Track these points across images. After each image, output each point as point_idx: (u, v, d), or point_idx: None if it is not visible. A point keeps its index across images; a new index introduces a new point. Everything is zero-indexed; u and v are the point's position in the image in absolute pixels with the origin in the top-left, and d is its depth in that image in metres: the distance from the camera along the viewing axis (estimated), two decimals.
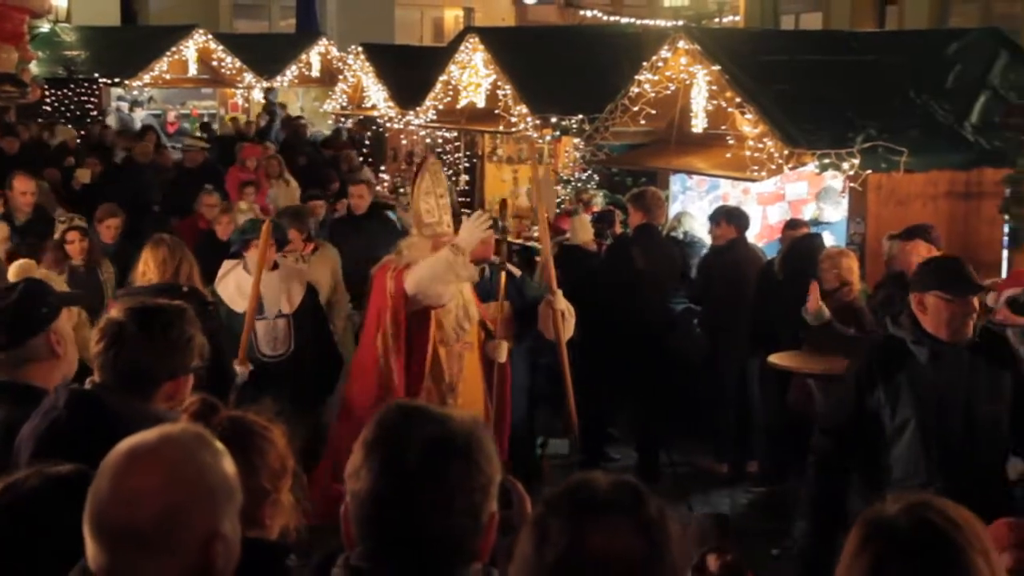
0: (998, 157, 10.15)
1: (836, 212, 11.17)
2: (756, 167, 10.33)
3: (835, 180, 10.62)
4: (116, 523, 2.33)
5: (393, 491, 2.34)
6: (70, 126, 20.67)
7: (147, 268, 7.01)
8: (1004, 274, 9.70)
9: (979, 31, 12.57)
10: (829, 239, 10.47)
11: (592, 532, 1.98)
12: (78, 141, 19.28)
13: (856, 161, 9.89)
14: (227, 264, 7.96)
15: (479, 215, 7.20)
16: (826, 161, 9.94)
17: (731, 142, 10.86)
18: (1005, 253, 10.13)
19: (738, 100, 10.67)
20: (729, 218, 10.15)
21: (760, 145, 10.29)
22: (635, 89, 11.78)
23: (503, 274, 7.55)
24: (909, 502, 2.21)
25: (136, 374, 3.67)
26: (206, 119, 25.35)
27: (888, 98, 10.90)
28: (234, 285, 7.74)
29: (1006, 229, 10.00)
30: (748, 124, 10.63)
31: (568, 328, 7.48)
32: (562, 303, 7.39)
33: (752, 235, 10.57)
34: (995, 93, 11.16)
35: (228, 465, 2.44)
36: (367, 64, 18.63)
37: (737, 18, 19.15)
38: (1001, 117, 10.24)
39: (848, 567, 2.17)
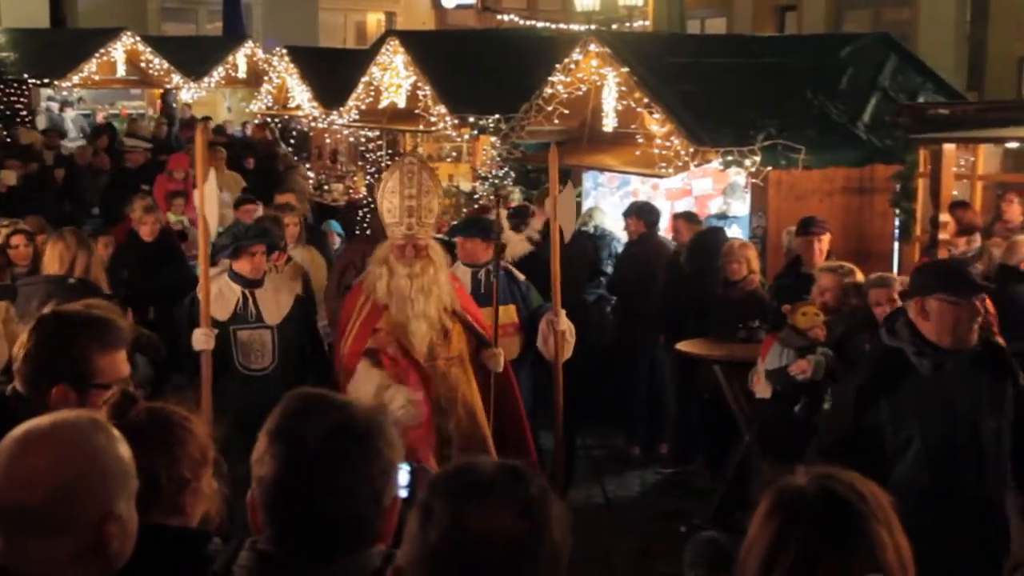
0: (889, 155, 10.31)
1: (741, 207, 11.29)
2: (664, 164, 10.40)
3: (739, 176, 10.73)
4: (9, 504, 2.29)
5: (295, 477, 2.33)
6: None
7: (49, 260, 7.16)
8: (895, 265, 9.88)
9: (870, 36, 12.74)
10: (736, 232, 10.60)
11: (473, 512, 1.98)
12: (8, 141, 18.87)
13: (757, 158, 9.99)
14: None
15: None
16: (729, 158, 10.04)
17: (640, 140, 10.92)
18: (896, 245, 10.30)
19: (646, 100, 10.73)
20: (639, 213, 10.22)
21: (667, 143, 10.37)
22: (549, 90, 11.82)
23: (496, 280, 6.89)
24: (817, 473, 2.23)
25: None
26: (135, 118, 24.95)
27: (787, 99, 11.02)
28: (215, 292, 6.73)
29: (896, 222, 10.17)
30: (656, 123, 10.69)
31: (567, 350, 6.91)
32: (564, 323, 6.83)
33: (662, 229, 10.63)
34: (885, 94, 11.34)
35: (123, 449, 2.40)
36: (291, 66, 18.50)
37: (646, 23, 19.19)
38: (891, 117, 10.41)
39: (755, 535, 2.18)
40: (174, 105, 24.42)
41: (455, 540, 1.96)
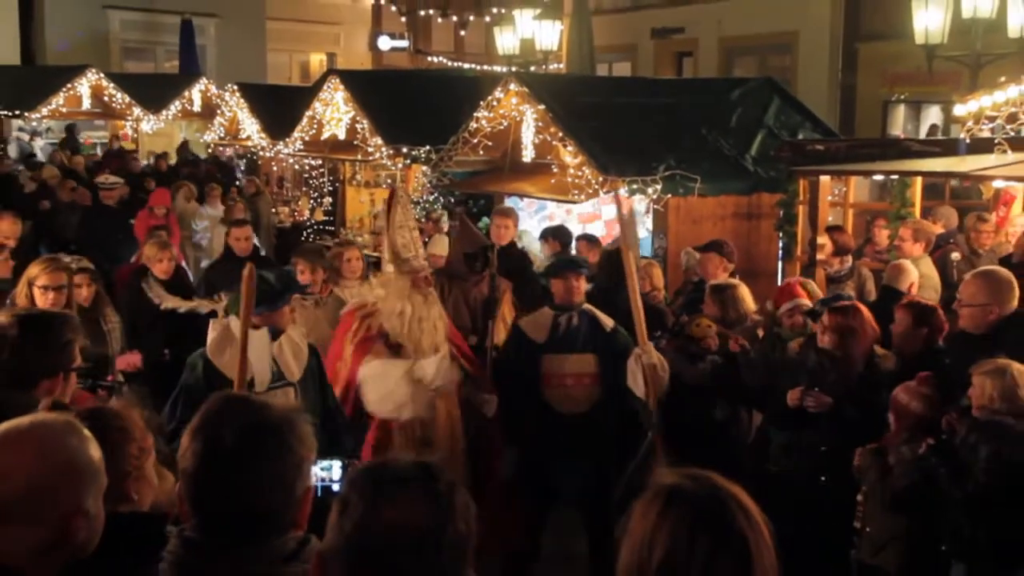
0: (773, 184, 10.46)
1: (643, 230, 11.37)
2: (576, 191, 10.46)
3: (641, 203, 10.81)
4: None
5: (213, 471, 2.35)
6: None
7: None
8: (779, 282, 10.01)
9: (756, 80, 12.92)
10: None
11: (384, 504, 1.97)
12: None
13: (659, 187, 10.09)
14: (222, 323, 5.38)
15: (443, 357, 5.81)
16: (634, 187, 10.12)
17: (555, 170, 10.96)
18: (780, 264, 10.43)
19: (560, 135, 10.79)
20: (555, 235, 10.26)
21: (579, 173, 10.42)
22: (474, 124, 11.83)
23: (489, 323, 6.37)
24: (692, 474, 2.22)
25: (15, 371, 3.62)
26: (99, 148, 24.51)
27: (684, 134, 11.13)
28: (231, 352, 5.13)
29: (780, 244, 10.31)
30: (569, 155, 10.74)
31: (662, 383, 5.90)
32: (655, 355, 5.89)
33: (575, 249, 10.66)
34: (770, 131, 11.51)
35: (94, 450, 2.39)
36: (242, 100, 18.38)
37: (561, 65, 19.31)
38: (775, 151, 10.57)
39: (651, 533, 2.12)
40: (78, 137, 23.79)
41: (367, 529, 1.94)
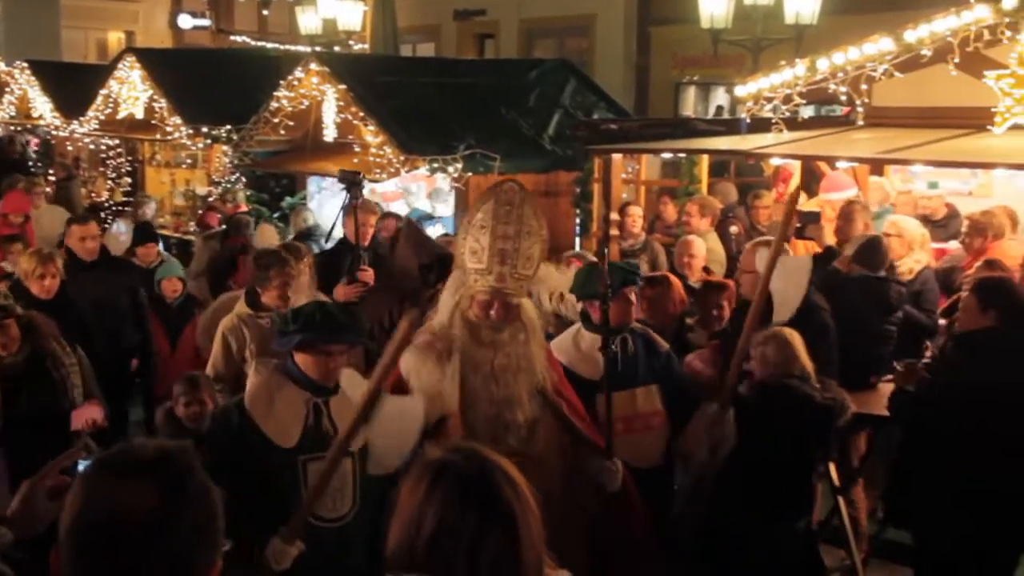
0: (570, 163, 10.64)
1: (446, 208, 11.36)
2: (379, 170, 10.40)
3: (444, 181, 10.79)
4: None
5: None
6: None
7: None
8: None
9: (553, 62, 13.10)
10: (440, 230, 10.66)
11: (108, 487, 1.85)
12: None
13: (459, 166, 10.10)
14: (259, 375, 3.96)
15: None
16: (435, 165, 10.12)
17: (357, 149, 10.89)
18: (577, 240, 10.60)
19: (361, 114, 10.68)
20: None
21: (381, 152, 10.36)
22: (275, 104, 11.60)
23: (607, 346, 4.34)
24: (460, 448, 2.21)
25: None
26: None
27: (484, 114, 11.18)
28: (263, 396, 3.89)
29: (577, 220, 10.48)
30: (370, 134, 10.65)
31: (728, 442, 4.65)
32: (730, 422, 4.60)
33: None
34: (567, 111, 11.69)
35: None
36: (33, 78, 17.43)
37: (365, 46, 19.06)
38: (571, 130, 10.75)
39: (420, 508, 2.10)
40: None
41: (89, 513, 1.83)
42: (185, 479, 1.86)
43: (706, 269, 7.72)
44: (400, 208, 11.71)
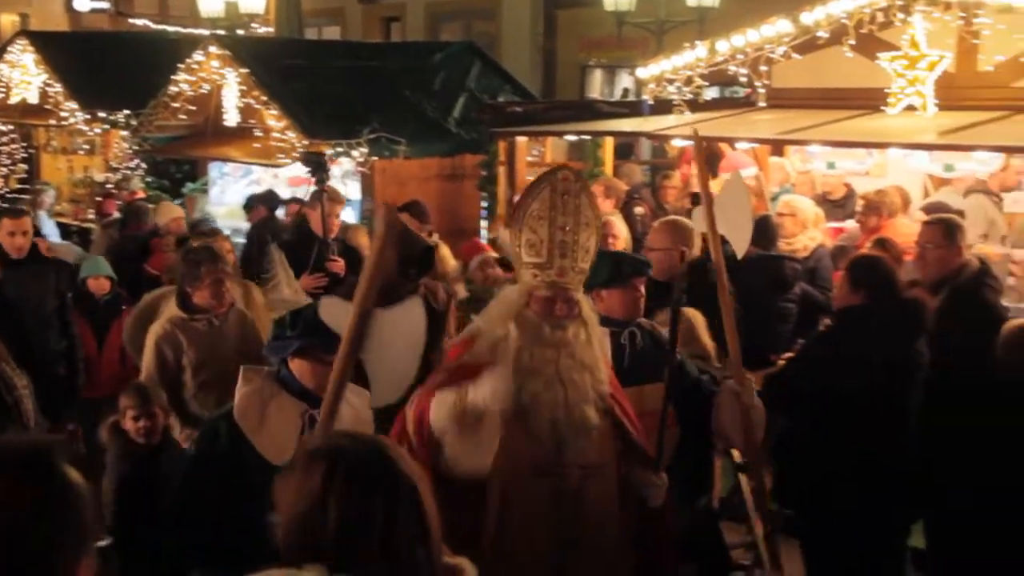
0: (475, 146, 10.58)
1: (354, 191, 11.26)
2: (282, 155, 10.26)
3: (349, 165, 10.68)
4: None
5: None
6: None
7: None
8: (484, 240, 10.15)
9: (458, 44, 13.02)
10: (349, 213, 10.55)
11: None
12: None
13: (365, 150, 10.00)
14: (249, 383, 3.66)
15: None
16: (339, 149, 10.00)
17: (260, 134, 10.70)
18: (484, 223, 10.57)
19: (264, 98, 10.50)
20: (261, 201, 10.05)
21: (284, 136, 10.20)
22: (174, 88, 11.36)
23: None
24: (346, 433, 2.17)
25: None
26: None
27: (389, 97, 11.07)
28: (255, 410, 3.60)
29: (483, 204, 10.44)
30: (273, 118, 10.49)
31: (759, 430, 4.34)
32: (752, 393, 4.28)
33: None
34: (472, 94, 11.63)
35: None
36: None
37: (270, 29, 18.76)
38: (476, 114, 10.70)
39: (319, 498, 2.05)
40: None
41: None
42: (48, 476, 1.78)
43: None
44: (305, 193, 11.55)
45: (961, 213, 6.78)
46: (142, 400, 4.84)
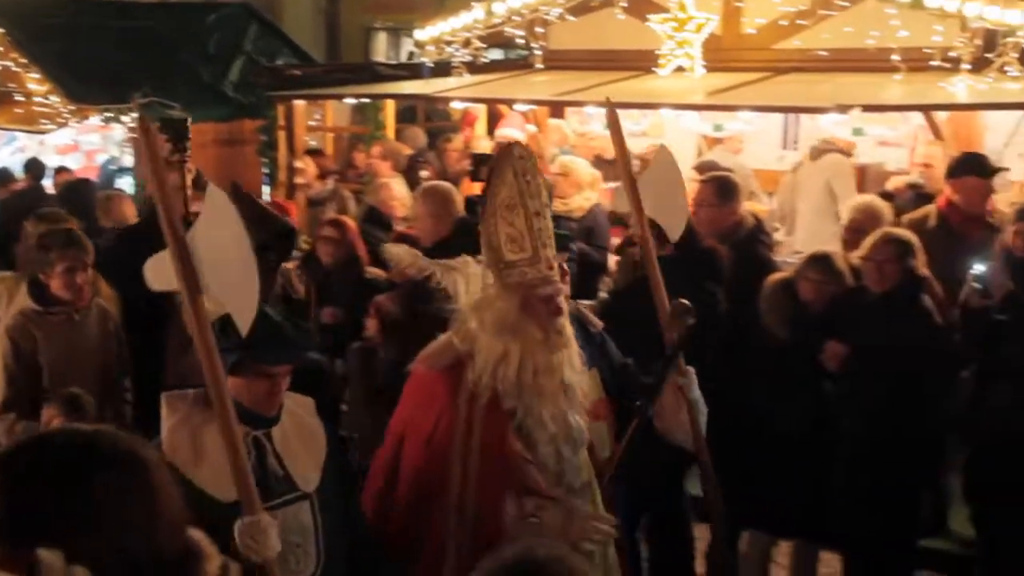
0: (254, 110, 10.28)
1: (129, 159, 10.86)
2: (45, 121, 9.73)
3: (120, 132, 10.24)
4: None
5: None
6: None
7: None
8: None
9: (233, 5, 12.57)
10: (128, 180, 10.18)
11: None
12: None
13: (136, 115, 9.54)
14: (175, 412, 2.98)
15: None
16: (109, 115, 9.56)
17: (20, 99, 10.10)
18: (267, 189, 10.28)
19: (24, 60, 9.89)
20: (26, 168, 9.56)
21: (47, 101, 9.67)
22: None
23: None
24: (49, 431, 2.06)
25: None
26: None
27: (161, 60, 10.64)
28: (184, 436, 2.95)
29: (265, 170, 10.17)
30: (34, 82, 9.90)
31: (702, 427, 3.76)
32: (695, 385, 3.71)
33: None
34: (249, 57, 11.30)
35: None
36: None
37: None
38: (253, 77, 10.38)
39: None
40: None
41: None
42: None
43: None
44: (74, 162, 10.98)
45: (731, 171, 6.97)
46: (73, 409, 4.03)
